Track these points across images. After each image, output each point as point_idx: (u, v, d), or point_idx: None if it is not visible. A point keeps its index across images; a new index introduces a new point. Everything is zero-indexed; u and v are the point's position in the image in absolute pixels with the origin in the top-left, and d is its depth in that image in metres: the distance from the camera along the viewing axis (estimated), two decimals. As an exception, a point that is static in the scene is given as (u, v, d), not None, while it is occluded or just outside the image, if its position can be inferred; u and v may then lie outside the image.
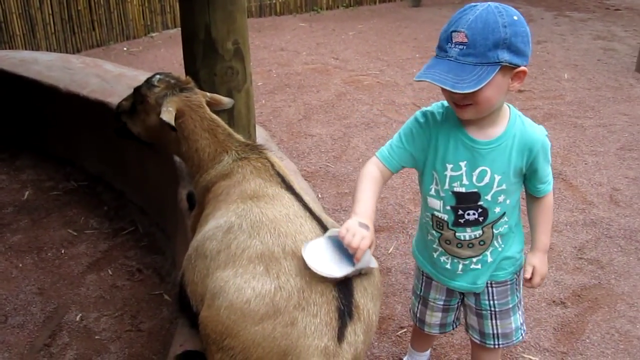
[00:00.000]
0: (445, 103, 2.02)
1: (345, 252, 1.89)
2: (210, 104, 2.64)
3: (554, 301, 3.21)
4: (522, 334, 2.32)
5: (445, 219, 2.09)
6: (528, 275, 2.14)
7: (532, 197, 2.14)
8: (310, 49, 7.76)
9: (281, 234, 2.05)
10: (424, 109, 2.09)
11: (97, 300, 3.34)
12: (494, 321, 2.27)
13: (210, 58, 2.94)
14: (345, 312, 1.91)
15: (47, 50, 7.42)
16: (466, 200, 2.04)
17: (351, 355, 1.90)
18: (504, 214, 2.07)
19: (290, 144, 5.01)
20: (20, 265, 3.63)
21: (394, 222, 3.92)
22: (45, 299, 3.34)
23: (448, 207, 2.07)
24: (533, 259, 2.15)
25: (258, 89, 6.21)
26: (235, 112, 3.08)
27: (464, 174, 2.01)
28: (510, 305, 2.25)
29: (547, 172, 2.05)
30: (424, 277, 2.34)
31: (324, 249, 1.94)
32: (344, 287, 1.94)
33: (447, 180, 2.03)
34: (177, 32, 8.06)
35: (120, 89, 4.08)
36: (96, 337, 3.08)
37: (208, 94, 2.66)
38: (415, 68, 6.77)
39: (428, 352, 2.71)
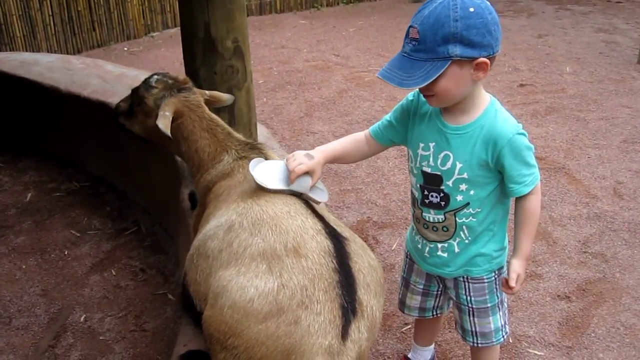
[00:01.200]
0: None
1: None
2: (210, 102, 2.63)
3: (558, 295, 3.20)
4: (503, 336, 2.31)
5: (417, 196, 2.16)
6: (513, 284, 2.08)
7: (516, 200, 2.08)
8: (310, 46, 7.75)
9: (283, 231, 2.04)
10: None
11: (101, 300, 3.34)
12: (471, 318, 2.27)
13: (210, 57, 2.93)
14: (349, 310, 1.90)
15: (48, 52, 7.43)
16: (430, 182, 2.08)
17: (355, 352, 1.90)
18: (467, 204, 2.06)
19: (292, 142, 5.00)
20: (24, 266, 3.63)
21: (397, 219, 3.91)
22: (49, 300, 3.34)
23: (418, 185, 2.13)
24: (517, 266, 2.08)
25: (259, 86, 6.21)
26: (236, 110, 3.07)
27: (431, 155, 2.05)
28: (489, 305, 2.24)
29: (521, 173, 2.00)
30: (408, 259, 2.39)
31: (275, 169, 2.21)
32: (347, 284, 1.94)
33: (418, 158, 2.09)
34: (177, 31, 8.05)
35: (121, 89, 4.07)
36: (100, 338, 3.07)
37: (207, 92, 2.65)
38: (417, 64, 6.74)
39: (432, 346, 2.71)
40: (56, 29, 7.60)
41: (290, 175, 2.12)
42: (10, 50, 7.12)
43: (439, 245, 2.17)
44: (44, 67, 4.74)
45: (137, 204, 4.22)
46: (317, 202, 2.20)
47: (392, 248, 3.61)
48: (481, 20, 1.80)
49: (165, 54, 7.75)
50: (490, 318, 2.26)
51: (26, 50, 7.28)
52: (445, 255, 2.17)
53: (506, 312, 2.33)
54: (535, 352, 2.84)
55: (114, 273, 3.56)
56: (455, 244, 2.14)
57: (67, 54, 7.57)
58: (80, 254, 3.74)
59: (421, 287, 2.38)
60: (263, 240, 2.03)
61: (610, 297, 3.19)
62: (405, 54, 1.88)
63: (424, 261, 2.26)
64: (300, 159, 2.12)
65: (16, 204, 4.30)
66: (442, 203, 2.08)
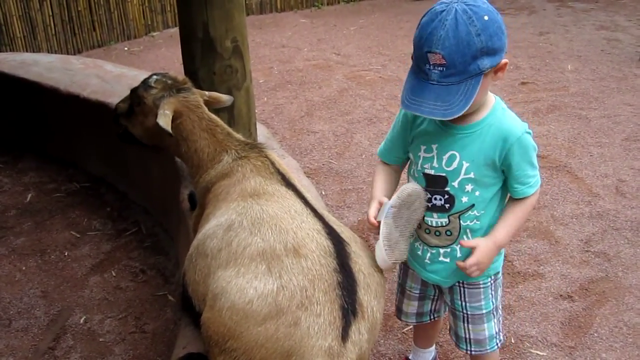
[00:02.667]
0: None
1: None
2: (209, 103, 2.62)
3: (561, 295, 3.18)
4: (497, 344, 2.27)
5: None
6: (464, 244, 2.03)
7: (511, 199, 2.07)
8: (311, 45, 7.73)
9: (282, 231, 2.03)
10: None
11: (101, 302, 3.33)
12: (466, 324, 2.23)
13: (209, 57, 2.91)
14: (349, 311, 1.89)
15: (48, 52, 7.42)
16: (434, 184, 2.03)
17: (356, 354, 1.89)
18: (472, 206, 2.02)
19: (292, 141, 4.98)
20: (24, 268, 3.61)
21: (398, 218, 3.88)
22: (49, 301, 3.33)
23: None
24: (479, 240, 2.03)
25: (259, 86, 6.19)
26: (236, 110, 3.06)
27: (435, 157, 2.01)
28: (484, 311, 2.20)
29: (526, 173, 1.98)
30: (403, 265, 2.34)
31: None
32: (347, 285, 1.93)
33: (420, 161, 2.05)
34: (177, 30, 8.04)
35: (121, 89, 4.06)
36: (100, 340, 3.06)
37: (206, 92, 2.63)
38: (418, 62, 6.72)
39: (432, 348, 2.69)
40: (56, 29, 7.59)
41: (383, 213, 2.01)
42: (10, 51, 7.10)
43: (441, 250, 2.11)
44: (43, 67, 4.73)
45: (137, 205, 4.21)
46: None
47: (394, 248, 3.59)
48: (496, 25, 1.78)
49: (166, 53, 7.73)
50: (485, 325, 2.22)
51: (27, 51, 7.26)
52: (447, 260, 2.12)
53: (501, 319, 2.30)
54: (538, 352, 2.82)
55: (114, 274, 3.55)
56: (457, 248, 2.09)
57: (68, 54, 7.55)
58: (80, 255, 3.72)
59: (417, 291, 2.34)
60: (263, 239, 2.02)
61: (613, 296, 3.17)
62: (434, 82, 1.80)
63: (423, 268, 2.20)
64: (371, 207, 2.08)
65: (16, 205, 4.29)
66: (447, 205, 2.04)
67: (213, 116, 2.55)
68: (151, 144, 2.72)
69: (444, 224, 2.07)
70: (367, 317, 1.94)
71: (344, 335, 1.86)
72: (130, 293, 3.39)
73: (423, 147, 2.03)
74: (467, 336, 2.24)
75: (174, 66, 6.91)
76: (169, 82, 2.53)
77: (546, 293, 3.20)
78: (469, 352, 2.28)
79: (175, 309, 3.19)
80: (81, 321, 3.19)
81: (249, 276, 1.93)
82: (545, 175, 4.34)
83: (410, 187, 2.03)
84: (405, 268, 2.33)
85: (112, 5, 8.03)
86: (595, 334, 2.92)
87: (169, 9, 8.69)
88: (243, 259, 1.99)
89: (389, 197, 2.11)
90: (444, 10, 1.75)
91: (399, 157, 2.21)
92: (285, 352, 1.82)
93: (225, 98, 2.71)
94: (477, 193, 2.01)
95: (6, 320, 3.19)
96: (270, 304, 1.85)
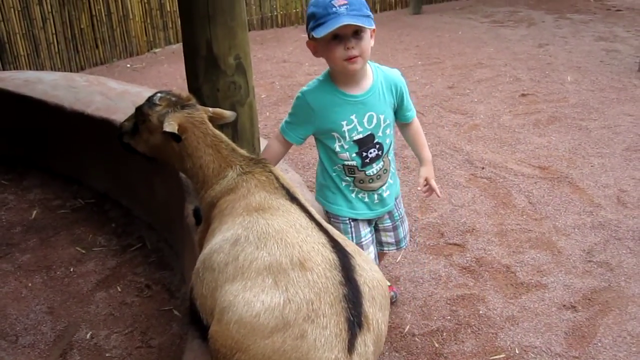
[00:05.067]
0: (320, 78, 2.58)
1: None
2: (213, 119, 2.64)
3: (564, 305, 3.20)
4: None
5: (355, 164, 2.61)
6: (421, 186, 2.76)
7: (404, 125, 2.77)
8: (312, 59, 7.77)
9: (288, 245, 2.05)
10: (302, 89, 2.61)
11: (107, 317, 3.35)
12: (404, 224, 2.91)
13: (212, 74, 2.94)
14: (355, 323, 1.91)
15: (52, 70, 7.48)
16: (365, 143, 2.58)
17: (362, 366, 1.90)
18: (390, 142, 2.66)
19: (295, 156, 5.02)
20: (30, 284, 3.64)
21: (401, 231, 3.91)
22: (56, 317, 3.35)
23: (354, 154, 2.59)
24: (423, 171, 2.77)
25: (262, 101, 6.23)
26: (239, 126, 3.09)
27: (357, 124, 2.54)
28: (404, 213, 2.92)
29: (409, 101, 2.68)
30: (350, 222, 2.75)
31: None
32: (352, 297, 1.95)
33: (347, 134, 2.55)
34: (180, 47, 8.09)
35: (124, 106, 4.10)
36: (107, 355, 3.08)
37: (210, 109, 2.66)
38: (418, 75, 6.78)
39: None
40: (59, 47, 7.66)
41: None
42: (14, 69, 7.17)
43: (384, 187, 2.70)
44: (47, 85, 4.78)
45: (142, 220, 4.23)
46: None
47: (397, 260, 3.61)
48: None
49: (168, 70, 7.79)
50: (406, 222, 2.96)
51: (30, 69, 7.33)
52: (388, 192, 2.73)
53: None
54: (542, 362, 2.84)
55: (119, 290, 3.57)
56: (389, 178, 2.71)
57: (71, 71, 7.62)
58: (85, 271, 3.74)
59: (370, 235, 2.80)
60: (269, 253, 2.04)
61: (616, 306, 3.18)
62: (343, 14, 2.36)
63: (373, 209, 2.74)
64: None
65: (21, 221, 4.32)
66: (380, 152, 2.62)
67: (217, 132, 2.57)
68: (156, 160, 2.75)
69: (381, 167, 2.66)
70: (372, 329, 1.96)
71: (350, 347, 1.88)
72: (136, 308, 3.41)
73: (344, 122, 2.53)
74: (405, 232, 2.93)
75: (176, 82, 6.97)
76: (174, 99, 2.56)
77: (549, 303, 3.21)
78: (405, 246, 2.97)
79: (181, 324, 3.21)
80: (87, 337, 3.20)
81: (256, 290, 1.95)
82: (547, 187, 4.37)
83: None
84: (354, 224, 2.74)
85: (114, 22, 8.11)
86: (599, 344, 2.93)
87: (170, 25, 8.77)
88: (250, 272, 2.01)
89: None
90: None
91: (301, 137, 2.66)
92: (293, 364, 1.84)
93: (229, 114, 2.74)
94: (387, 131, 2.63)
95: (13, 337, 3.21)
96: (277, 317, 1.87)
